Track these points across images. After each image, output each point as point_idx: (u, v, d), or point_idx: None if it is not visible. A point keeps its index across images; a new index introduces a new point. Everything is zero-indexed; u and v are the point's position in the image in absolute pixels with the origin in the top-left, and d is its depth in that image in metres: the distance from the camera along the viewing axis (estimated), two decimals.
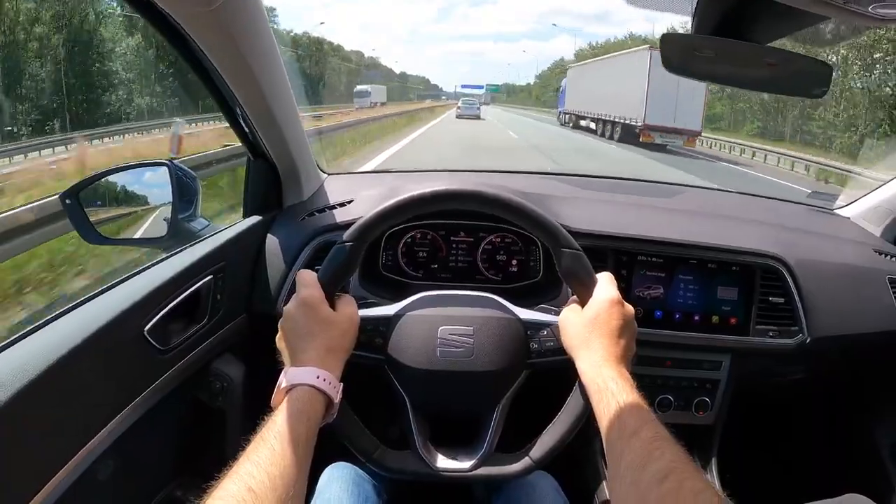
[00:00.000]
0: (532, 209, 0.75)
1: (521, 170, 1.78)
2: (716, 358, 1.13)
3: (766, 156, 14.98)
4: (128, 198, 1.12)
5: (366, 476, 0.89)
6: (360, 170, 3.49)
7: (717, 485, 1.14)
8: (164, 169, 1.06)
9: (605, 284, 0.73)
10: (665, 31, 0.67)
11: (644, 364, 1.10)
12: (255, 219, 1.09)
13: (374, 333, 0.76)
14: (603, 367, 0.66)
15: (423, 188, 0.74)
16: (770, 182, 10.95)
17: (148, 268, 0.89)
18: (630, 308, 0.72)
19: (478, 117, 28.12)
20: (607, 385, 0.63)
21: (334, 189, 1.23)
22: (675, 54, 0.74)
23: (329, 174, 1.31)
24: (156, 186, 1.10)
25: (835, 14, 0.49)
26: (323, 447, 0.69)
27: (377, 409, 0.82)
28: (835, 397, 1.40)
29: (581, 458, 1.19)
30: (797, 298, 1.09)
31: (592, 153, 14.29)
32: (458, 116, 27.96)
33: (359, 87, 37.81)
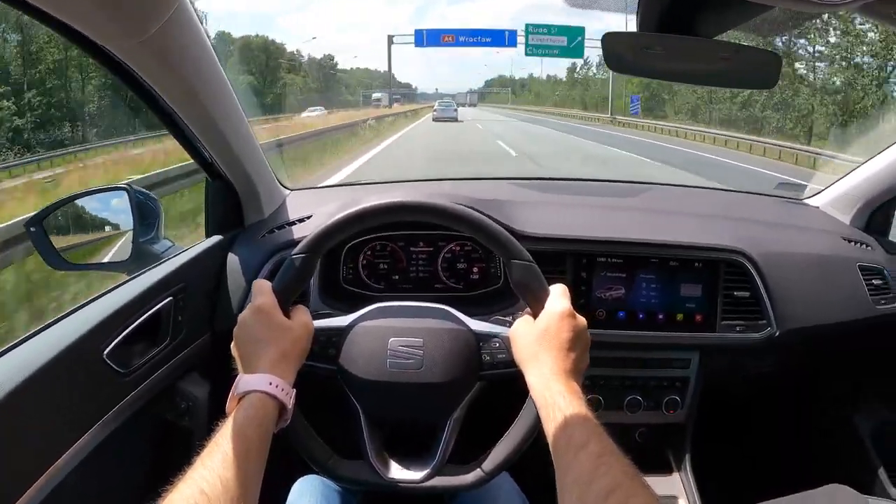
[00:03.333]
0: (481, 220, 0.74)
1: (481, 176, 1.78)
2: (684, 356, 1.12)
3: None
4: (93, 223, 1.11)
5: (336, 489, 0.88)
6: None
7: (693, 483, 1.13)
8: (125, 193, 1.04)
9: (557, 297, 0.72)
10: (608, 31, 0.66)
11: (610, 365, 1.09)
12: (215, 238, 1.09)
13: (328, 344, 0.76)
14: (552, 381, 0.66)
15: (370, 202, 0.74)
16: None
17: (107, 293, 0.88)
18: (582, 320, 0.72)
19: (455, 119, 26.47)
20: (555, 399, 0.63)
21: (296, 205, 1.23)
22: (623, 52, 0.73)
23: (292, 190, 1.30)
24: (122, 211, 1.08)
25: (779, 2, 0.49)
26: (293, 460, 0.68)
27: (332, 418, 0.81)
28: (811, 389, 1.39)
29: (543, 462, 1.18)
30: (763, 291, 1.08)
31: None
32: (436, 119, 26.34)
33: None
